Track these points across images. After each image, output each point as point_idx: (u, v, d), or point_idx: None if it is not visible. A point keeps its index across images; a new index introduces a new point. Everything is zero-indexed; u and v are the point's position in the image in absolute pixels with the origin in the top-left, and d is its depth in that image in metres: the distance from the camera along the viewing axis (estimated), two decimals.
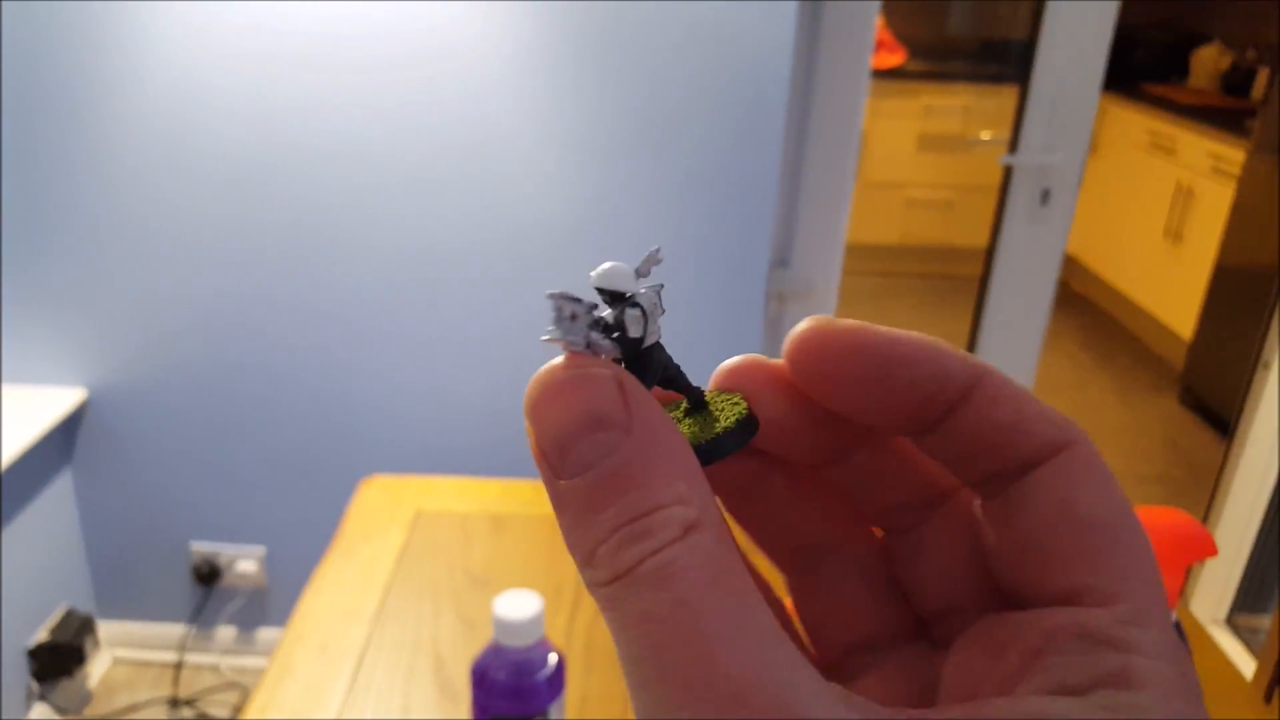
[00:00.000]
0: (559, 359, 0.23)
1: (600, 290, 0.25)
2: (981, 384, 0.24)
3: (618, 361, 0.24)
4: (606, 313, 0.25)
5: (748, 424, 0.25)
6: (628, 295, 0.25)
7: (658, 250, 0.26)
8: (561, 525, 0.21)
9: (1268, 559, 2.11)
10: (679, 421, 0.26)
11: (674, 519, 0.20)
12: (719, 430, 0.25)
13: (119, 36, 1.64)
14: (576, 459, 0.21)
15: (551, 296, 0.24)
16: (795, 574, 0.28)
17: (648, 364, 0.25)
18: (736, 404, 0.26)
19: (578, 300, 0.24)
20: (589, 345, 0.24)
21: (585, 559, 0.21)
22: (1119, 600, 0.22)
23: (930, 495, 0.26)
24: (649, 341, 0.25)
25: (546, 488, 0.22)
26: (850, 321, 0.24)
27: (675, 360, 0.26)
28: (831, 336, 0.24)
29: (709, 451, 0.24)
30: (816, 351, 0.25)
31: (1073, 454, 0.23)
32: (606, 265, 0.25)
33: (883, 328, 0.24)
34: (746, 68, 1.67)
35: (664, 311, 0.25)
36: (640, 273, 0.25)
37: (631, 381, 0.22)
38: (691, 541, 0.20)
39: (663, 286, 0.26)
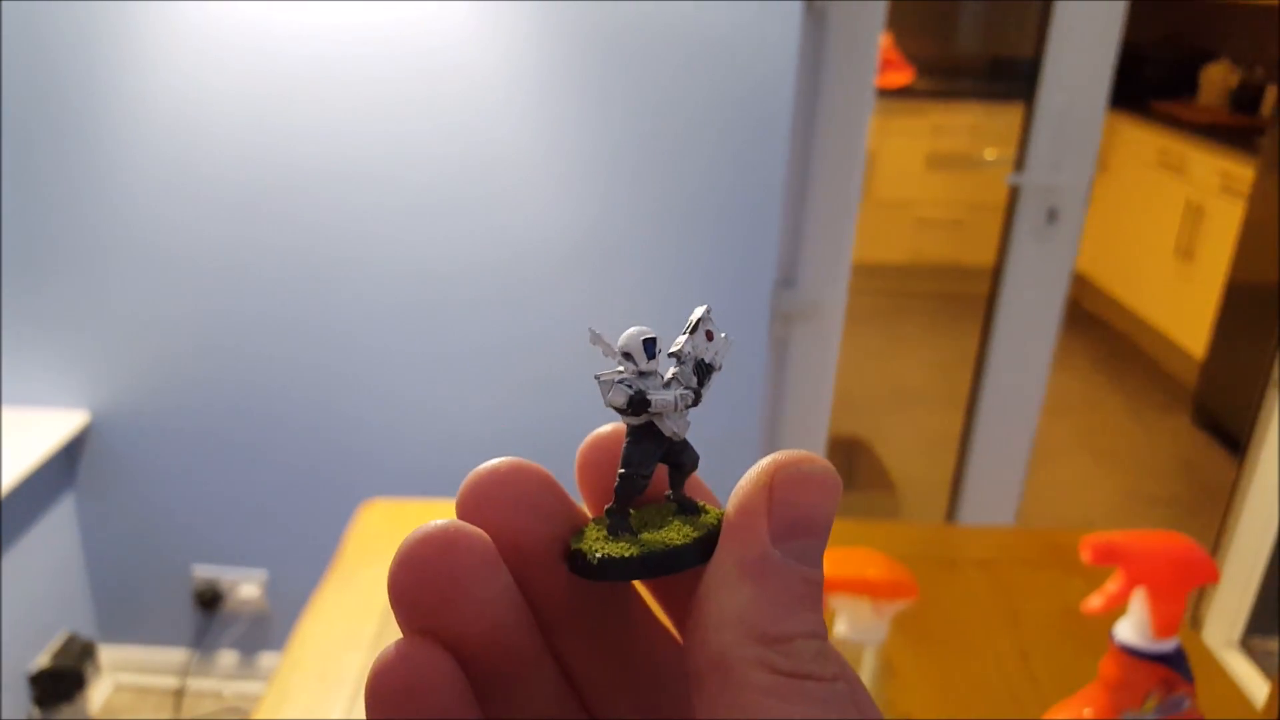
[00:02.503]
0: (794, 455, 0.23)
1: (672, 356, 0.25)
2: None
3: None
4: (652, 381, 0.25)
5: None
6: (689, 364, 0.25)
7: (592, 333, 0.25)
8: (747, 592, 0.21)
9: None
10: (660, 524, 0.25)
11: (839, 656, 0.22)
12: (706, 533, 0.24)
13: (122, 57, 1.64)
14: (803, 550, 0.22)
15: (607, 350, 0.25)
16: None
17: (672, 442, 0.25)
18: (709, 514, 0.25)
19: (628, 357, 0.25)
20: (643, 403, 0.24)
21: (773, 639, 0.21)
22: None
23: None
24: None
25: (745, 541, 0.22)
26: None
27: None
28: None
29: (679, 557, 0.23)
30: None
31: None
32: (688, 336, 0.25)
33: None
34: (751, 87, 1.66)
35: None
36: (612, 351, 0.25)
37: None
38: (848, 686, 0.21)
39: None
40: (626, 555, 0.23)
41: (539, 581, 0.24)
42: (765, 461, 0.23)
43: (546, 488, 0.25)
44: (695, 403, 0.24)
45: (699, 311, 0.25)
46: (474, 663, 0.23)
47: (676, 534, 0.24)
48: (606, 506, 0.25)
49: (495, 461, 0.25)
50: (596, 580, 0.23)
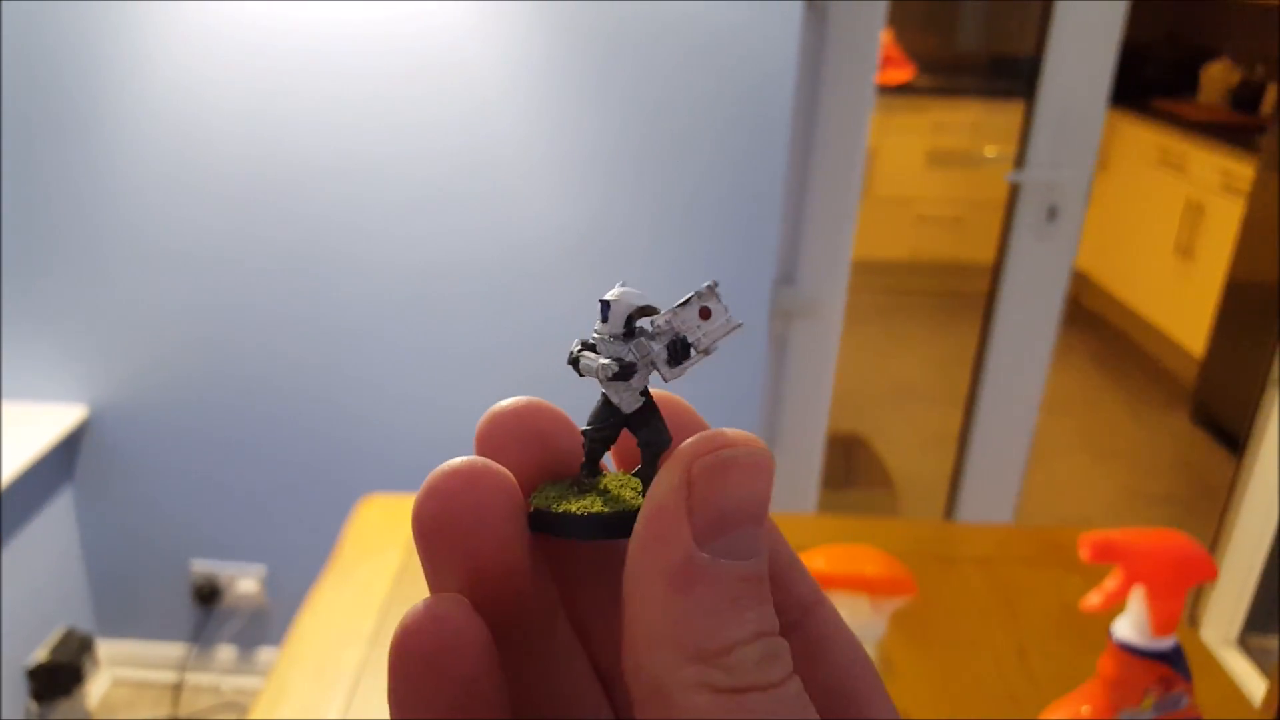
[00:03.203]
0: (728, 432, 0.21)
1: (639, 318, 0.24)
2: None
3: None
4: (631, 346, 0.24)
5: None
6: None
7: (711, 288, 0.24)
8: (676, 606, 0.19)
9: (1279, 578, 2.09)
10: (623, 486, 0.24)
11: (784, 648, 0.19)
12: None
13: (122, 52, 1.64)
14: (731, 544, 0.20)
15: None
16: None
17: (645, 406, 0.24)
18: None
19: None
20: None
21: (711, 655, 0.19)
22: None
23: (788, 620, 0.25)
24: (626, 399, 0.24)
25: (667, 549, 0.20)
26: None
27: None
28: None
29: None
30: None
31: (825, 610, 0.23)
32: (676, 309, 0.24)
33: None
34: (752, 83, 1.66)
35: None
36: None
37: None
38: (798, 683, 0.19)
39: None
40: (584, 512, 0.22)
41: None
42: (680, 452, 0.20)
43: (563, 426, 0.25)
44: (619, 377, 0.23)
45: (705, 285, 0.24)
46: (491, 607, 0.22)
47: (637, 499, 0.23)
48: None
49: (513, 399, 0.24)
50: (554, 535, 0.23)
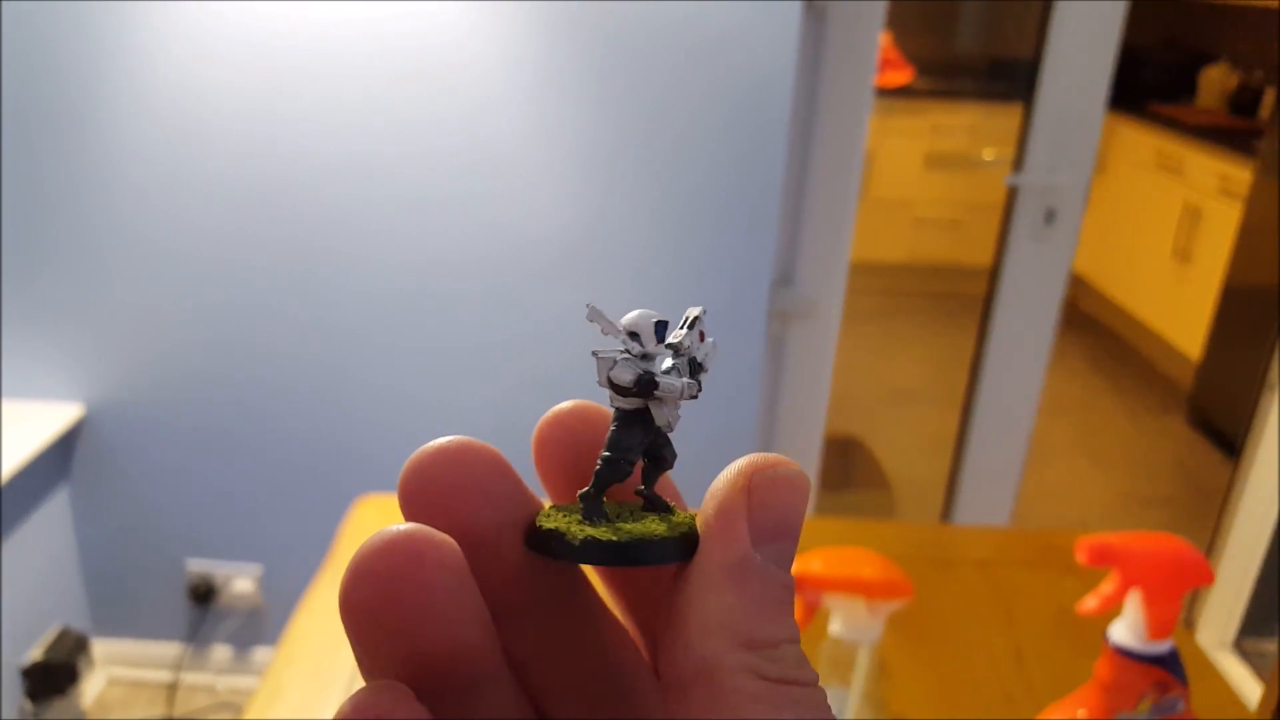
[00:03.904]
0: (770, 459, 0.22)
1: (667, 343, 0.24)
2: None
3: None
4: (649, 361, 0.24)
5: (690, 541, 0.23)
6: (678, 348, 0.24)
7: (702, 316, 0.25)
8: (731, 596, 0.21)
9: (1275, 581, 2.08)
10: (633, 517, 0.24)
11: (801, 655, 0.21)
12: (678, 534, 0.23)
13: (121, 51, 1.64)
14: (780, 554, 0.22)
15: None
16: None
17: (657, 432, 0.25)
18: (682, 519, 0.24)
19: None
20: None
21: (759, 645, 0.21)
22: None
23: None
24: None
25: (726, 544, 0.21)
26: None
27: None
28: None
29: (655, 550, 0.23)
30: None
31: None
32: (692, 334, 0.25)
33: None
34: (750, 85, 1.66)
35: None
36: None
37: None
38: (825, 692, 0.21)
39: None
40: (608, 539, 0.22)
41: (489, 573, 0.22)
42: (741, 463, 0.22)
43: (498, 470, 0.23)
44: (697, 395, 0.24)
45: (695, 310, 0.24)
46: (433, 687, 0.21)
47: (657, 527, 0.23)
48: (581, 491, 0.24)
49: (443, 440, 0.23)
50: (572, 561, 0.22)
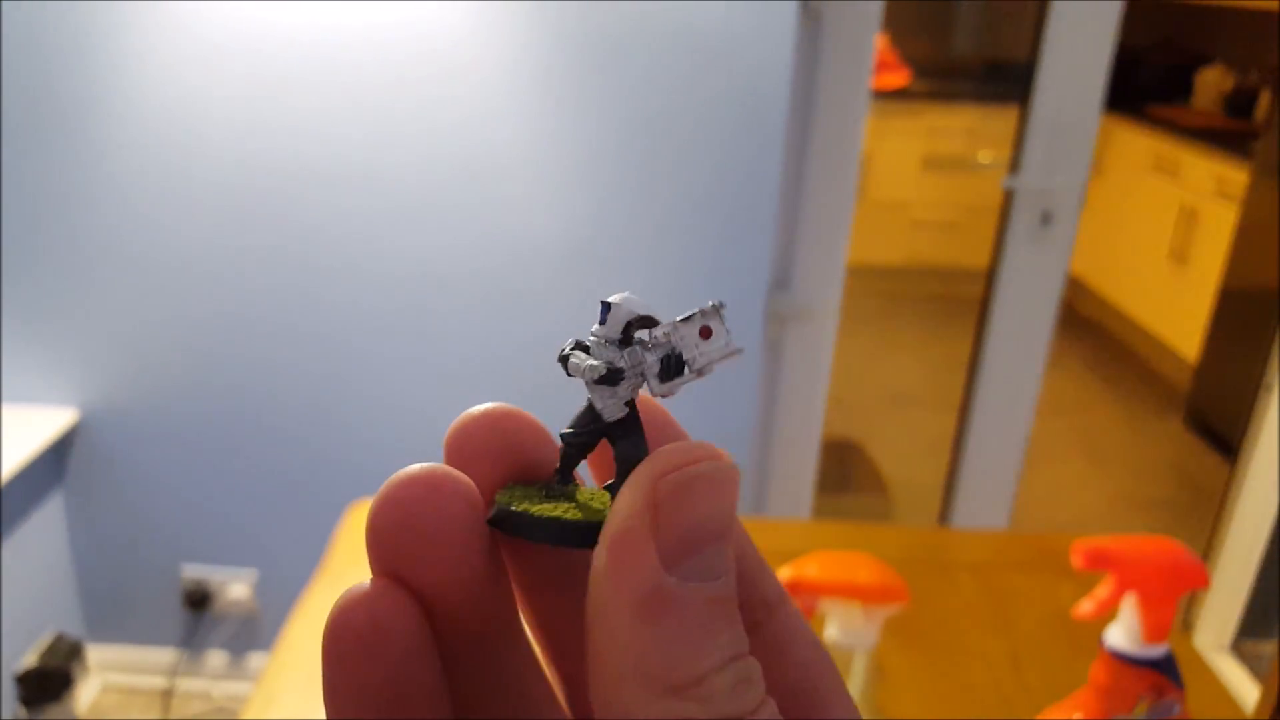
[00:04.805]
0: (690, 446, 0.20)
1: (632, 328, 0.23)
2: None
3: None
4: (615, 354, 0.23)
5: None
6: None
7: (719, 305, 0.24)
8: (644, 637, 0.18)
9: (1273, 584, 2.08)
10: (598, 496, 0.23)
11: (755, 672, 0.19)
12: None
13: (116, 57, 1.63)
14: (701, 564, 0.19)
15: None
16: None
17: (628, 417, 0.23)
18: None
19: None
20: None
21: (681, 686, 0.18)
22: None
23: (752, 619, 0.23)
24: (612, 413, 0.23)
25: (635, 576, 0.18)
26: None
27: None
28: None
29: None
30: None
31: (788, 609, 0.23)
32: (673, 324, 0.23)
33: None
34: (746, 87, 1.66)
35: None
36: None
37: None
38: (772, 707, 0.19)
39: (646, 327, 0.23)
40: (544, 515, 0.21)
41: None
42: (641, 472, 0.19)
43: (539, 437, 0.24)
44: (605, 381, 0.22)
45: (709, 304, 0.23)
46: (446, 619, 0.21)
47: (604, 512, 0.22)
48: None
49: (485, 406, 0.23)
50: (508, 535, 0.22)
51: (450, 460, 0.23)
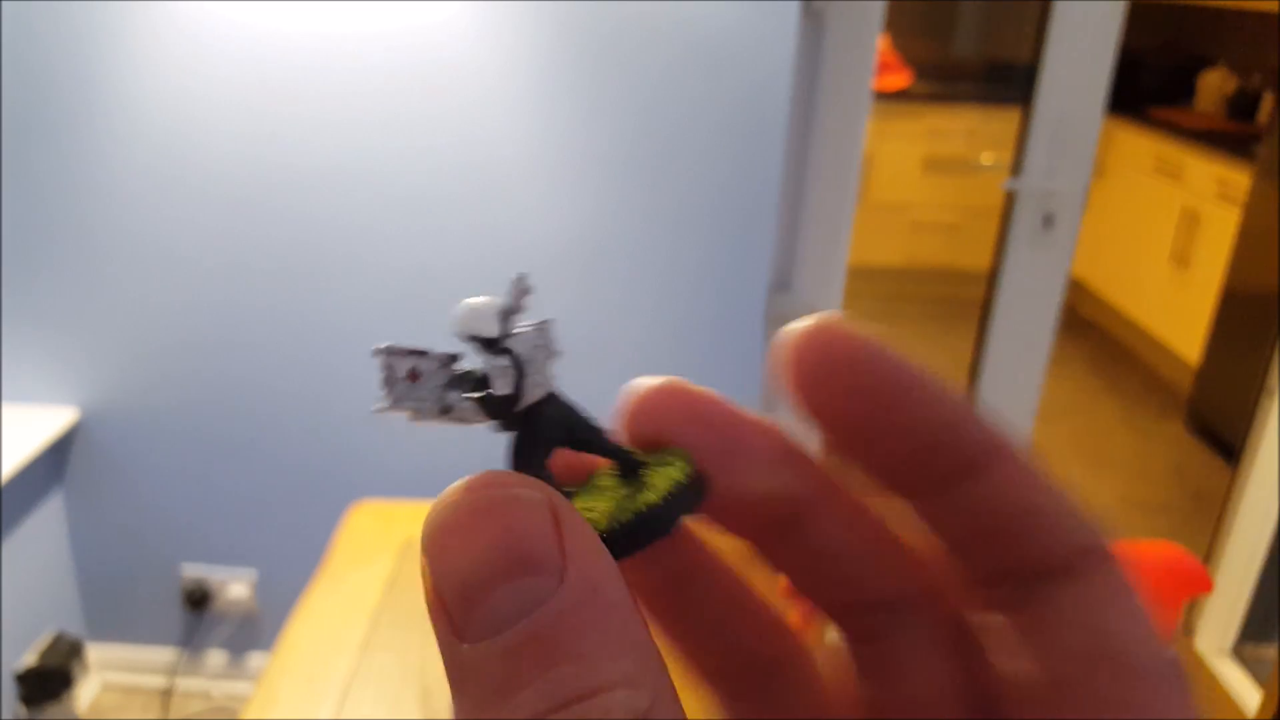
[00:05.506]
0: (467, 480, 0.17)
1: (469, 338, 0.19)
2: (1004, 455, 0.21)
3: (507, 425, 0.19)
4: (476, 364, 0.19)
5: (694, 486, 0.20)
6: (499, 340, 0.19)
7: (524, 278, 0.20)
8: (460, 709, 0.16)
9: (1274, 588, 2.08)
10: (604, 490, 0.20)
11: (618, 706, 0.15)
12: (656, 499, 0.19)
13: (118, 54, 1.63)
14: (488, 615, 0.16)
15: (378, 353, 0.19)
16: (855, 640, 0.22)
17: (536, 428, 0.19)
18: (671, 464, 0.20)
19: (421, 353, 0.19)
20: (444, 410, 0.19)
21: None
22: None
23: (907, 593, 0.21)
24: (531, 398, 0.19)
25: (443, 654, 0.16)
26: (868, 333, 0.21)
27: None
28: (843, 343, 0.21)
29: (646, 526, 0.19)
30: (822, 356, 0.21)
31: (1107, 574, 0.19)
32: (463, 304, 0.19)
33: (899, 352, 0.21)
34: (748, 88, 1.66)
35: (557, 354, 0.20)
36: (511, 309, 0.20)
37: (567, 509, 0.17)
38: None
39: (550, 322, 0.20)
40: (655, 501, 0.19)
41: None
42: (424, 532, 0.17)
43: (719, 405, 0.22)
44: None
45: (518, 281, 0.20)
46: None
47: (664, 479, 0.20)
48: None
49: (659, 380, 0.22)
50: (660, 538, 0.19)
51: (637, 430, 0.21)
